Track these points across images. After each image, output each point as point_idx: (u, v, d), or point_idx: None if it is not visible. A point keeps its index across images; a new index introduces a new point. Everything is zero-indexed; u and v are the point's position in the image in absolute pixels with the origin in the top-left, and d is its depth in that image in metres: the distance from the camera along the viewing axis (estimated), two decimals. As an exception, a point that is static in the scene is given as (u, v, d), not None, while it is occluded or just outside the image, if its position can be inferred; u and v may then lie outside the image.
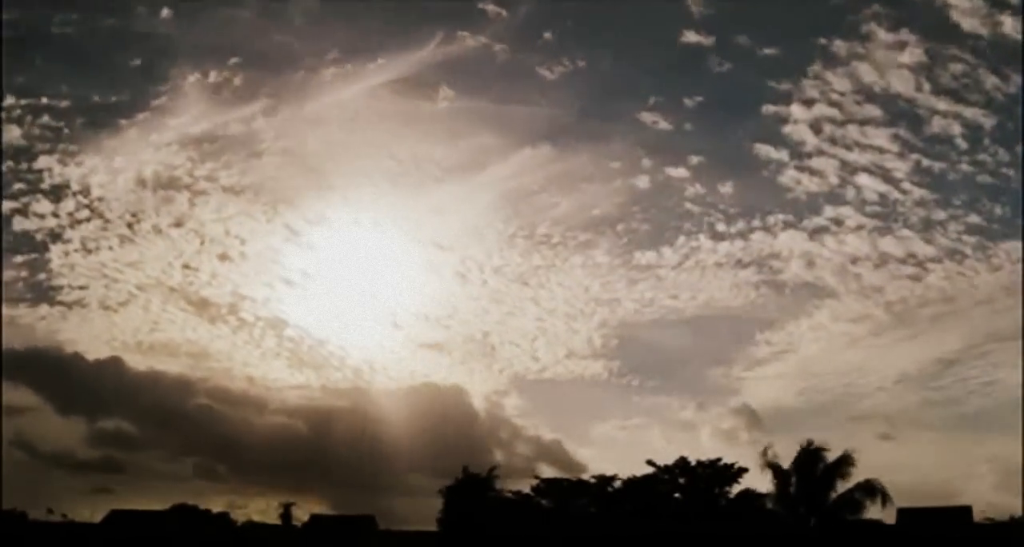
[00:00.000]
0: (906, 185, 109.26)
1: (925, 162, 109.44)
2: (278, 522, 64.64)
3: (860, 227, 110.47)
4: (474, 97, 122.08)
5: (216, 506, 68.80)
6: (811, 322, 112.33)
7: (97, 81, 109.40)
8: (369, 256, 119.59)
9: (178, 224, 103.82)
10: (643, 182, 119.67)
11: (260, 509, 71.51)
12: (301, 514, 64.81)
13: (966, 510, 48.58)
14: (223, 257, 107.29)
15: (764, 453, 43.46)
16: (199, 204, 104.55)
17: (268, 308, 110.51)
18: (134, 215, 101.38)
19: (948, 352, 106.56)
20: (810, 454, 42.09)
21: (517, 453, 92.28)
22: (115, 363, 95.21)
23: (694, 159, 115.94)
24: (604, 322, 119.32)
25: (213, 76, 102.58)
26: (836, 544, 42.22)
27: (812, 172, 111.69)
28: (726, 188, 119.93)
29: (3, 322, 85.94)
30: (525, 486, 59.86)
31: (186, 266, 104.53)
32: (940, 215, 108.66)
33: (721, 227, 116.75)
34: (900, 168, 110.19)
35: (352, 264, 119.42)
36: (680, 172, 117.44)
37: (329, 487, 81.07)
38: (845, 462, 41.45)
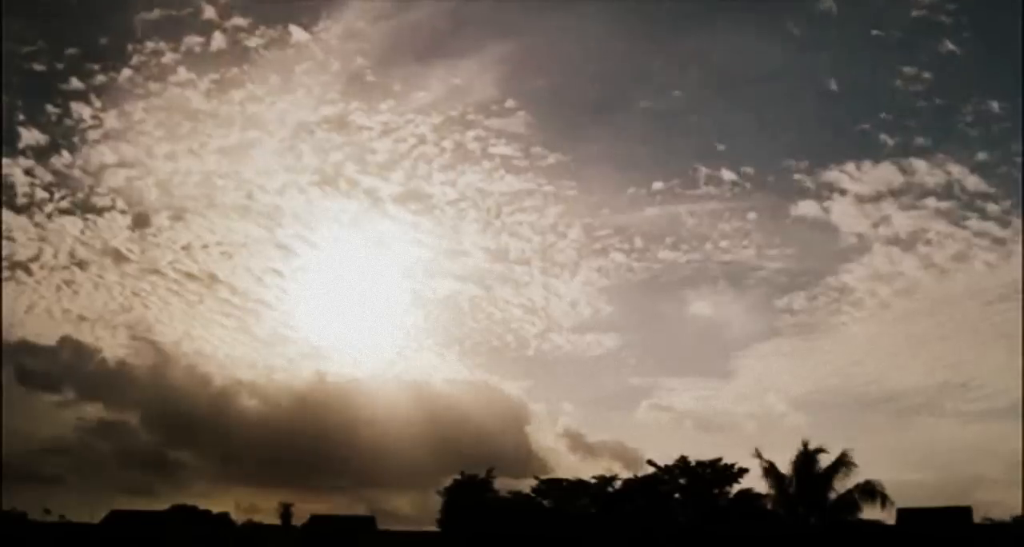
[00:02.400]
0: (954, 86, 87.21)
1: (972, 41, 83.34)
2: (278, 522, 64.69)
3: (897, 153, 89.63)
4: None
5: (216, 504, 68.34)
6: (836, 282, 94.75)
7: None
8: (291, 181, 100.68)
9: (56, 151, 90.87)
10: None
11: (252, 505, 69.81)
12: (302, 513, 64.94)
13: (966, 510, 48.54)
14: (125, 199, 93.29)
15: (758, 454, 43.34)
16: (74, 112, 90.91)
17: (197, 262, 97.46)
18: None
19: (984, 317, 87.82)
20: (809, 454, 41.96)
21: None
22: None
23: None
24: (590, 281, 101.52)
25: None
26: (836, 545, 42.11)
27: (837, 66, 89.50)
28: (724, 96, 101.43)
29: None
30: (525, 486, 59.83)
31: (88, 208, 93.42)
32: (998, 127, 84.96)
33: (723, 148, 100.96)
34: (943, 48, 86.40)
35: (266, 185, 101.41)
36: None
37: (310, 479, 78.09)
38: (844, 462, 41.31)
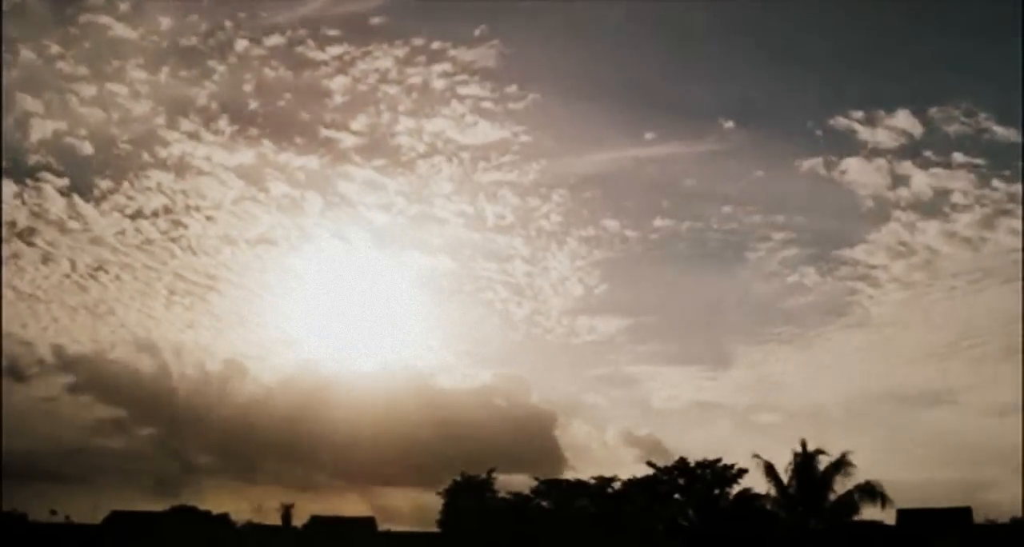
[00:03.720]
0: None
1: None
2: (278, 523, 64.70)
3: (917, 98, 79.12)
4: None
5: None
6: (848, 256, 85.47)
7: None
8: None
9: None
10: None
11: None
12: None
13: (966, 511, 48.51)
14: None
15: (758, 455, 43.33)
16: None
17: (144, 233, 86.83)
18: None
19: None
20: (808, 455, 42.01)
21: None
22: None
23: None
24: (580, 254, 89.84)
25: None
26: (836, 545, 42.14)
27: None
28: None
29: None
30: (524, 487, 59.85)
31: (20, 168, 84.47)
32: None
33: (721, 91, 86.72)
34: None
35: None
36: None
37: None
38: (843, 463, 41.33)
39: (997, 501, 53.06)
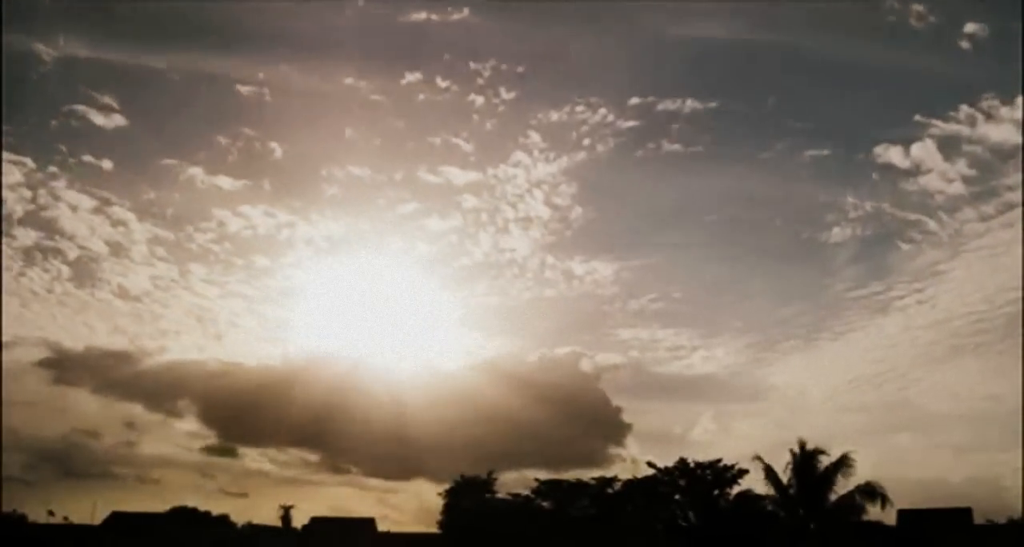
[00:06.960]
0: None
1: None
2: (278, 523, 64.76)
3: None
4: None
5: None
6: (880, 156, 72.55)
7: None
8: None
9: None
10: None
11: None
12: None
13: (966, 512, 48.60)
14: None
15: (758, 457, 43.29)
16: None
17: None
18: None
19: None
20: (808, 455, 42.00)
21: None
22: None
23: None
24: (537, 150, 65.44)
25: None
26: (836, 546, 42.15)
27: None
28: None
29: None
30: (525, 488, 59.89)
31: None
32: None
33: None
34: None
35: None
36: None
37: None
38: (844, 464, 41.34)
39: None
